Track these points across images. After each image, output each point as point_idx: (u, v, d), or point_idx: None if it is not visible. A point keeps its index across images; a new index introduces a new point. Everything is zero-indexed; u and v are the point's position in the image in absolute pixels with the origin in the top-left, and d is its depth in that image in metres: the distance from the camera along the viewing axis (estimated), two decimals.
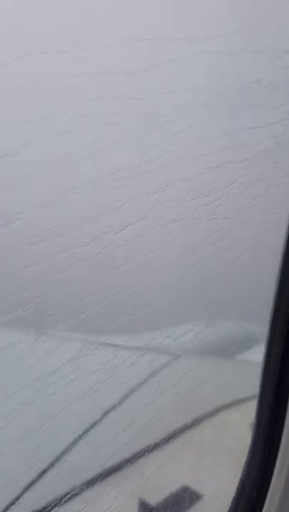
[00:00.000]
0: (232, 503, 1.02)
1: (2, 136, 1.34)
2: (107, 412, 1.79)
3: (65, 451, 1.68)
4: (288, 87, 1.71)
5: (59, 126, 1.40)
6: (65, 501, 1.52)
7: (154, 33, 1.43)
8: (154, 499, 1.76)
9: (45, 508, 1.50)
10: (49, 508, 1.49)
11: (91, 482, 1.61)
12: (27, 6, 1.29)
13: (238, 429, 1.88)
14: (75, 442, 1.71)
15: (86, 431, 1.74)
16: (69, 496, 1.54)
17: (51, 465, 1.63)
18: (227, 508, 1.10)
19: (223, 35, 1.56)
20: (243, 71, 1.66)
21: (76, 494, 1.56)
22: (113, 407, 1.79)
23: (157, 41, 1.46)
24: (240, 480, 1.00)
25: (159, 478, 1.82)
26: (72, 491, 1.55)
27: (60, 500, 1.51)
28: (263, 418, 1.01)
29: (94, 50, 1.39)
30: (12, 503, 1.51)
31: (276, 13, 1.57)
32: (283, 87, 1.70)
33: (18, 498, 1.52)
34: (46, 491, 1.56)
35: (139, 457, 1.74)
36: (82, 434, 1.73)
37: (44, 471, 1.61)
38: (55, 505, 1.49)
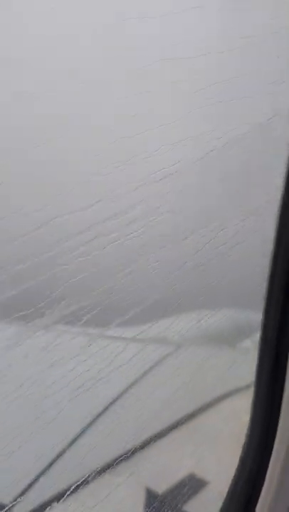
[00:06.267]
0: (232, 480, 1.04)
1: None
2: (112, 403, 1.81)
3: (72, 442, 1.70)
4: None
5: None
6: (73, 491, 1.54)
7: None
8: (161, 487, 1.78)
9: (53, 497, 1.52)
10: (58, 497, 1.51)
11: (98, 472, 1.63)
12: None
13: (242, 415, 1.89)
14: (81, 433, 1.73)
15: (91, 422, 1.76)
16: (76, 485, 1.56)
17: (59, 456, 1.65)
18: None
19: None
20: None
21: (83, 484, 1.58)
22: (118, 398, 1.81)
23: None
24: (240, 458, 1.02)
25: (165, 467, 1.84)
26: (79, 480, 1.57)
27: (68, 490, 1.53)
28: (261, 398, 1.03)
29: None
30: (21, 494, 1.53)
31: None
32: None
33: (27, 489, 1.55)
34: (54, 482, 1.58)
35: (145, 447, 1.76)
36: (88, 425, 1.75)
37: (52, 462, 1.64)
38: (63, 494, 1.51)
